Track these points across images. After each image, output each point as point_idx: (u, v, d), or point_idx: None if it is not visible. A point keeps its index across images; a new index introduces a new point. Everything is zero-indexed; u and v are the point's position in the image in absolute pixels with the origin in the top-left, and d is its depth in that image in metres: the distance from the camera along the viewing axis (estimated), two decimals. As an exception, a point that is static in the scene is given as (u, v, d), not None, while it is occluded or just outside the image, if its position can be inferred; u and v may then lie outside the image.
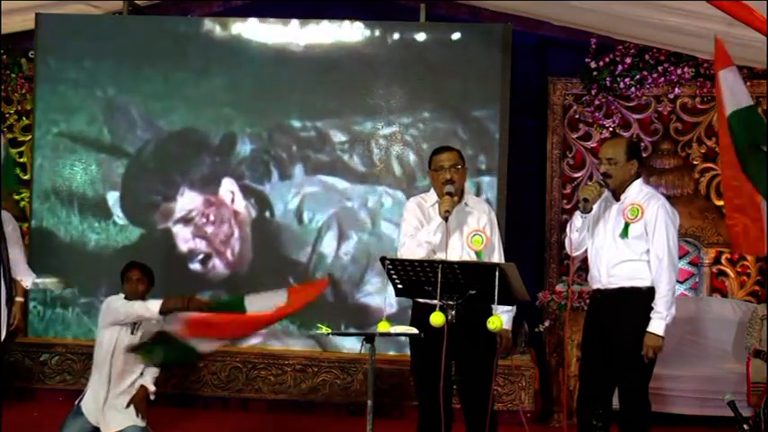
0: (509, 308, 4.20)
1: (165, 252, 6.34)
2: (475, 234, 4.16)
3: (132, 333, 4.76)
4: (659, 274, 4.11)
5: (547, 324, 6.04)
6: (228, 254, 6.40)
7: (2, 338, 5.05)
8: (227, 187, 6.38)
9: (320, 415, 5.99)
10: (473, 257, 4.11)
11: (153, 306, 4.52)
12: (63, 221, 6.42)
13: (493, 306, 4.07)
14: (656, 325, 4.09)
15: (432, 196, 4.28)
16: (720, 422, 5.33)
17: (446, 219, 4.02)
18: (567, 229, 4.35)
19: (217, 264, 6.40)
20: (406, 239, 4.17)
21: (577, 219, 4.25)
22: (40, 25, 6.42)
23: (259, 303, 4.32)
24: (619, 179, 4.21)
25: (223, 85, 6.36)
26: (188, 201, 6.42)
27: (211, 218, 6.40)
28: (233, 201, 6.39)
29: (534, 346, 6.18)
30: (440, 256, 4.04)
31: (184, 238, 6.41)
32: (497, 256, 4.26)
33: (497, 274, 3.67)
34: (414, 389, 5.00)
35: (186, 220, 6.41)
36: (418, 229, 4.15)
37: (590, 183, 4.49)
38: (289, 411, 6.03)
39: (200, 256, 6.40)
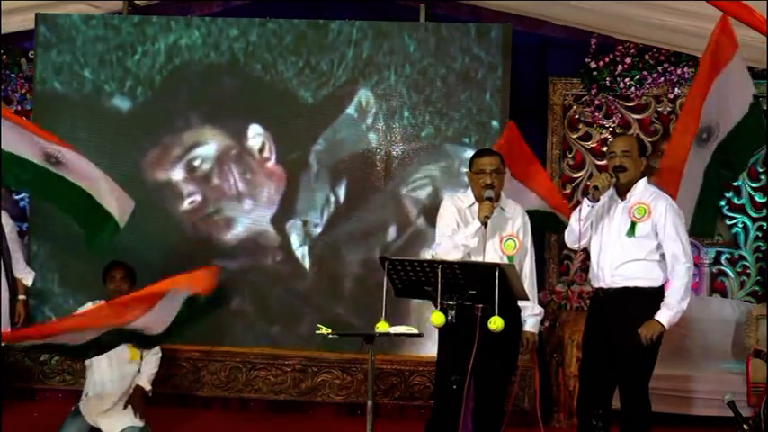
0: (537, 312, 4.25)
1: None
2: (508, 239, 4.18)
3: None
4: (675, 270, 4.11)
5: (547, 324, 6.04)
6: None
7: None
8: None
9: (320, 415, 5.99)
10: (506, 262, 4.11)
11: None
12: (63, 222, 6.38)
13: (522, 312, 4.15)
14: (662, 314, 4.07)
15: (469, 197, 4.27)
16: (720, 422, 5.32)
17: (485, 224, 4.03)
18: (572, 220, 4.33)
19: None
20: (442, 240, 4.18)
21: (585, 207, 4.21)
22: (40, 25, 6.42)
23: None
24: (631, 173, 4.20)
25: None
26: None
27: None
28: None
29: (534, 346, 6.18)
30: (476, 259, 4.06)
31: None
32: (529, 260, 4.30)
33: (497, 274, 3.67)
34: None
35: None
36: (455, 230, 4.15)
37: (601, 173, 4.43)
38: (289, 411, 6.03)
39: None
